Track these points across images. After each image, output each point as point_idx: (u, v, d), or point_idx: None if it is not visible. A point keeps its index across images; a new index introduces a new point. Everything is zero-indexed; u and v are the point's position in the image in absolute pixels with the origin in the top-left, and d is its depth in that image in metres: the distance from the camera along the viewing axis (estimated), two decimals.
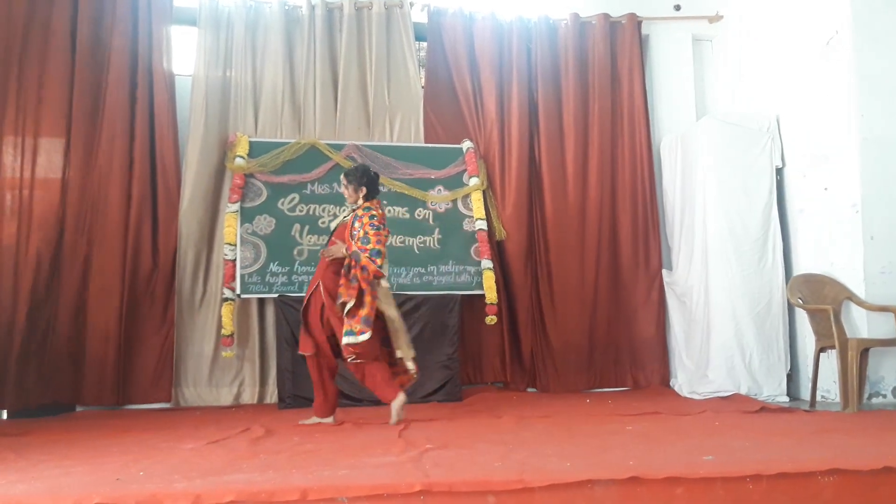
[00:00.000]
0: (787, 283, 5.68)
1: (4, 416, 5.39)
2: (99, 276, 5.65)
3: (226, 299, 5.76)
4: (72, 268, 5.58)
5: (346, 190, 4.75)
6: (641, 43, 6.83)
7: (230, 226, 5.83)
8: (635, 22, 6.80)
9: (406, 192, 6.24)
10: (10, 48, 5.52)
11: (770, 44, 6.17)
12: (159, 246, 5.82)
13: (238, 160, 5.91)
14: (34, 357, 5.36)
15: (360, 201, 4.70)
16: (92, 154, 5.72)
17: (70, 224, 5.59)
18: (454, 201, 6.36)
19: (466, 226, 6.33)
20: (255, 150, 6.02)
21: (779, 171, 5.99)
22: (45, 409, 5.34)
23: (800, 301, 5.37)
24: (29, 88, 5.57)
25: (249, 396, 5.93)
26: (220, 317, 5.80)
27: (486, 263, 6.20)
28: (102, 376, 5.57)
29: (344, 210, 5.03)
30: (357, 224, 4.57)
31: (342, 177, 4.81)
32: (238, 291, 5.77)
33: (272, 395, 5.91)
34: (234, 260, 5.79)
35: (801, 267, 5.73)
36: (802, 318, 5.62)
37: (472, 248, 6.26)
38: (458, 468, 2.97)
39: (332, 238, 4.73)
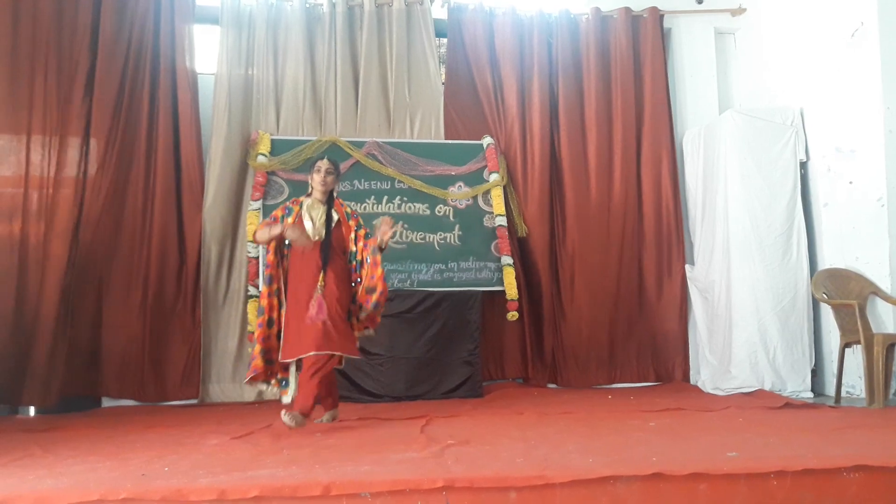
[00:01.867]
0: (811, 277, 5.62)
1: (32, 412, 5.47)
2: (126, 274, 5.72)
3: (250, 296, 5.80)
4: (99, 264, 5.65)
5: (328, 176, 4.46)
6: (664, 37, 6.78)
7: (252, 223, 5.87)
8: (657, 16, 6.75)
9: (426, 190, 6.24)
10: (37, 47, 5.58)
11: (794, 36, 6.10)
12: (185, 243, 5.87)
13: (260, 158, 5.96)
14: (66, 353, 5.43)
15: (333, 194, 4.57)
16: (116, 152, 5.77)
17: (96, 221, 5.65)
18: (475, 197, 6.36)
19: (487, 222, 6.32)
20: (277, 147, 6.06)
21: (803, 165, 5.92)
22: (70, 405, 5.41)
23: (824, 296, 5.32)
24: (54, 87, 5.63)
25: (272, 393, 5.88)
26: (244, 313, 5.85)
27: (507, 260, 6.19)
28: (133, 373, 5.65)
29: (307, 202, 4.51)
30: (352, 222, 4.55)
31: (330, 163, 4.52)
32: (261, 288, 5.80)
33: (295, 392, 5.94)
34: (257, 257, 5.84)
35: (826, 262, 5.67)
36: (827, 313, 5.56)
37: (493, 245, 6.25)
38: (480, 464, 2.98)
39: (333, 240, 4.43)
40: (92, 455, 3.48)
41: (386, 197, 6.21)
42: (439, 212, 6.27)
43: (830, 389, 5.42)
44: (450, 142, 6.47)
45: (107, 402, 5.70)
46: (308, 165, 5.92)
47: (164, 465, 3.12)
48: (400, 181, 6.22)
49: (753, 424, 4.11)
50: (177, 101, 5.97)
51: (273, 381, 4.49)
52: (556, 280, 6.47)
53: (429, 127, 6.52)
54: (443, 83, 6.63)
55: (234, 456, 3.37)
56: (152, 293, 5.74)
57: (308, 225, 4.40)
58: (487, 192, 6.36)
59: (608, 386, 6.30)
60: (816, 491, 2.68)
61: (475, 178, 6.39)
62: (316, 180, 4.46)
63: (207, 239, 5.90)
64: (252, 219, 5.87)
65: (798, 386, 5.57)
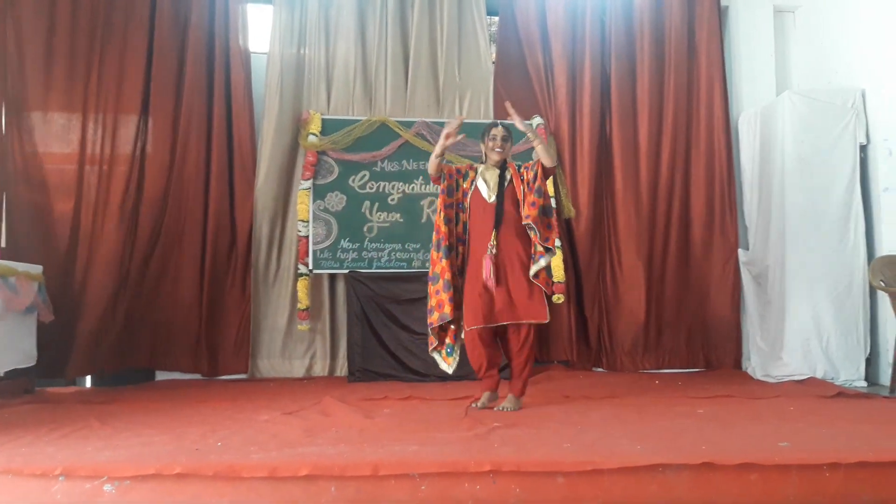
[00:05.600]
0: (868, 264, 5.48)
1: (88, 383, 5.64)
2: (181, 250, 5.85)
3: (300, 274, 5.89)
4: (155, 241, 5.79)
5: (505, 143, 4.33)
6: (720, 15, 6.61)
7: (303, 202, 5.94)
8: None
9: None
10: (95, 25, 5.73)
11: (855, 15, 5.90)
12: (236, 221, 5.98)
13: (311, 137, 5.99)
14: (121, 326, 5.61)
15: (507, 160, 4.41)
16: (171, 130, 5.89)
17: (154, 198, 5.78)
18: None
19: None
20: (328, 127, 6.09)
21: (863, 149, 5.75)
22: (125, 378, 5.58)
23: (882, 283, 5.18)
24: (112, 65, 5.76)
25: (320, 369, 6.07)
26: (293, 291, 5.96)
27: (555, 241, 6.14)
28: (186, 348, 5.81)
29: (481, 168, 4.42)
30: (525, 174, 4.31)
31: (504, 129, 4.36)
32: (311, 267, 5.90)
33: (342, 369, 6.04)
34: (307, 236, 5.92)
35: (885, 248, 5.51)
36: (884, 300, 5.42)
37: None
38: (527, 447, 2.98)
39: (507, 198, 4.27)
40: (148, 428, 3.57)
41: None
42: None
43: (885, 379, 5.30)
44: (499, 122, 6.40)
45: (160, 376, 5.86)
46: (357, 145, 6.02)
47: (217, 440, 3.19)
48: (448, 161, 6.19)
49: (805, 413, 4.02)
50: (230, 79, 6.05)
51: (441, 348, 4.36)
52: (604, 263, 6.41)
53: (478, 107, 6.48)
54: (493, 62, 6.58)
55: (285, 432, 3.43)
56: (206, 270, 5.87)
57: (483, 187, 4.32)
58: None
59: (656, 371, 6.23)
60: (871, 485, 2.62)
61: (524, 159, 6.32)
62: (490, 147, 4.35)
63: (259, 217, 5.99)
64: (303, 198, 5.95)
65: (852, 374, 5.46)
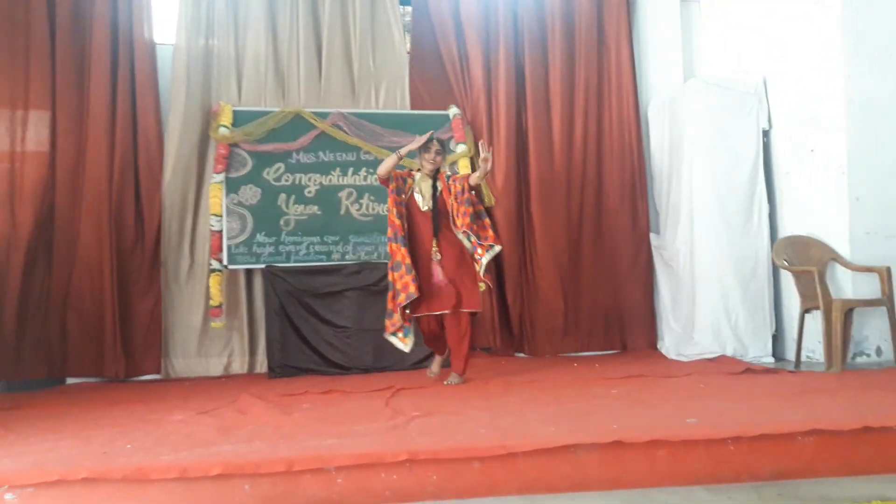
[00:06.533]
0: (772, 245, 5.70)
1: None
2: (86, 249, 5.64)
3: (213, 270, 5.76)
4: (60, 241, 5.58)
5: (438, 156, 4.82)
6: (629, 5, 6.75)
7: (215, 196, 5.81)
8: None
9: None
10: None
11: (758, 3, 6.10)
12: (143, 218, 5.80)
13: (222, 130, 5.86)
14: (27, 330, 5.39)
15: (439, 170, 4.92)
16: (76, 126, 5.67)
17: (58, 197, 5.58)
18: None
19: None
20: (240, 119, 5.96)
21: (765, 134, 5.96)
22: (35, 383, 5.38)
23: (785, 263, 5.39)
24: (14, 61, 5.50)
25: (239, 366, 5.96)
26: (208, 288, 5.81)
27: None
28: (92, 348, 5.60)
29: (417, 176, 4.91)
30: (453, 186, 4.84)
31: (439, 143, 4.85)
32: (225, 262, 5.78)
33: (262, 365, 5.95)
34: (221, 231, 5.79)
35: (787, 229, 5.74)
36: (788, 279, 5.64)
37: None
38: (444, 435, 3.00)
39: (440, 208, 4.83)
40: (54, 433, 3.45)
41: (351, 168, 6.16)
42: None
43: (791, 354, 5.52)
44: (416, 112, 6.41)
45: (71, 379, 5.66)
46: (271, 137, 5.93)
47: (127, 443, 3.10)
48: (366, 152, 6.17)
49: (714, 390, 4.17)
50: (134, 72, 5.86)
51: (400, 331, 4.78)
52: (523, 250, 6.48)
53: (394, 97, 6.47)
54: (408, 52, 6.56)
55: (199, 432, 3.36)
56: (114, 271, 5.65)
57: (418, 197, 4.83)
58: (454, 163, 6.33)
59: (575, 354, 6.35)
60: (772, 455, 2.74)
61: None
62: (426, 158, 4.81)
63: (167, 213, 5.84)
64: (215, 192, 5.83)
65: (759, 351, 5.67)
